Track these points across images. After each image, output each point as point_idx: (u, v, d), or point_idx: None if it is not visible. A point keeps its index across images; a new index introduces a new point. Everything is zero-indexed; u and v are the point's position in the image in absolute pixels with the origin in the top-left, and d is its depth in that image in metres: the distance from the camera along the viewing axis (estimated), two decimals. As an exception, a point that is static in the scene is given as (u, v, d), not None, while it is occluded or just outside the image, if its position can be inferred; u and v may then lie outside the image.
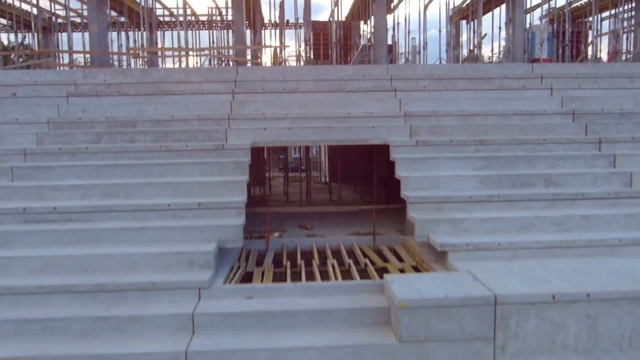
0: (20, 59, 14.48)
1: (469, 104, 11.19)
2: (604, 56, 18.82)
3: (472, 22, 18.09)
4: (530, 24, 15.70)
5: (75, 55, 15.37)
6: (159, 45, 17.94)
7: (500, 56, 16.07)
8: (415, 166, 9.20)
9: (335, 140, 10.33)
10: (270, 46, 13.84)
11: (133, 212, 8.07)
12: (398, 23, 16.80)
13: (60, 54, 15.06)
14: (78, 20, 18.68)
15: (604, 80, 12.26)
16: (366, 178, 16.18)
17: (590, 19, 17.12)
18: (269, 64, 17.81)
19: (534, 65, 12.73)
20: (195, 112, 10.80)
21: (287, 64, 19.10)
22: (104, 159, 9.46)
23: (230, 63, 14.01)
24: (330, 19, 16.02)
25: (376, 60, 13.66)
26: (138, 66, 14.66)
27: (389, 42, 17.45)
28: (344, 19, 18.65)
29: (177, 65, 15.47)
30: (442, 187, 8.76)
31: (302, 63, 15.47)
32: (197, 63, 16.04)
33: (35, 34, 16.14)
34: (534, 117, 10.84)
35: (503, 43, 18.21)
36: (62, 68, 13.91)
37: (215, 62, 14.39)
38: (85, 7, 15.51)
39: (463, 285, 6.34)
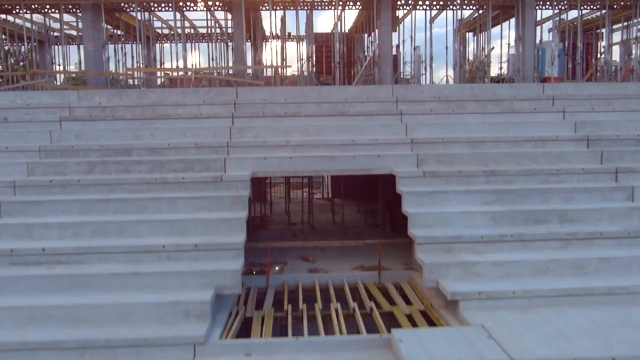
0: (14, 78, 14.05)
1: (478, 129, 10.74)
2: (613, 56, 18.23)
3: (479, 35, 17.61)
4: (540, 39, 15.06)
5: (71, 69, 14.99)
6: (157, 60, 17.47)
7: (509, 71, 15.54)
8: (423, 201, 8.77)
9: (339, 170, 9.90)
10: (272, 66, 13.32)
11: (126, 254, 7.66)
12: (404, 40, 16.30)
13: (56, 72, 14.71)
14: (74, 33, 18.22)
15: (618, 102, 11.79)
16: (370, 196, 15.73)
17: (603, 30, 16.55)
18: (270, 71, 17.21)
19: (544, 85, 12.28)
20: (193, 138, 10.38)
21: (289, 75, 18.66)
22: (97, 191, 9.05)
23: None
24: (333, 32, 15.51)
25: (380, 79, 13.13)
26: (135, 81, 14.17)
27: (393, 52, 17.03)
28: (347, 30, 18.15)
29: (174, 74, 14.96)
30: (451, 224, 8.33)
31: (304, 75, 15.01)
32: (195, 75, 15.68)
33: (29, 51, 15.68)
34: (547, 144, 10.39)
35: (512, 51, 17.65)
36: (57, 85, 13.45)
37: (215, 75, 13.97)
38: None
39: (477, 345, 5.91)
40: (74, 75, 15.87)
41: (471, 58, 21.15)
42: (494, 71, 17.37)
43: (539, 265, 7.50)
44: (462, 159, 9.82)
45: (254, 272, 9.55)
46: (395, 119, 11.10)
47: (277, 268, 9.72)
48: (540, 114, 11.35)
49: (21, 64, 14.53)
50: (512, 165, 9.72)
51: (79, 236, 8.09)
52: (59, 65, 16.15)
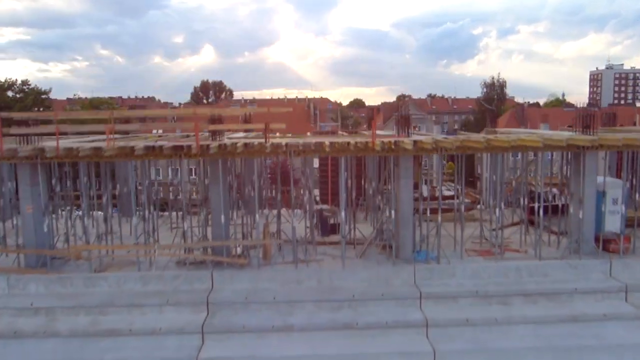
0: None
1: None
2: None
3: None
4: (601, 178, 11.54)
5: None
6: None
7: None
8: None
9: None
10: (258, 243, 10.38)
11: None
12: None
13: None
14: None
15: None
16: None
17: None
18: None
19: (612, 264, 9.50)
20: (146, 381, 7.70)
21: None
22: None
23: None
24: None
25: (398, 247, 10.26)
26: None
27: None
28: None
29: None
30: None
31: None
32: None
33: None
34: (629, 392, 7.59)
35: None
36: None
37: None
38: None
39: None
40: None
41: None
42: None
43: None
44: None
45: None
46: (418, 336, 8.34)
47: None
48: (612, 322, 8.53)
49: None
50: None
51: None
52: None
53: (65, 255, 9.87)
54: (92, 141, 11.65)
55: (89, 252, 9.60)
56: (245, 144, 9.45)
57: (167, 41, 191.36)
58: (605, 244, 10.48)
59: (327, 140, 9.66)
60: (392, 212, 10.13)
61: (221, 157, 9.51)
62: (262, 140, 9.73)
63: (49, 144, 10.13)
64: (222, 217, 9.84)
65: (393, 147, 9.44)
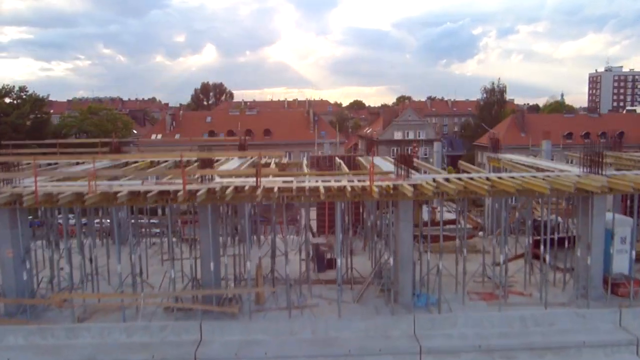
0: None
1: None
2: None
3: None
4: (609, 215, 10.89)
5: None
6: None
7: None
8: None
9: None
10: (251, 291, 9.81)
11: None
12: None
13: None
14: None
15: None
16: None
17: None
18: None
19: (621, 312, 9.03)
20: None
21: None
22: None
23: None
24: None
25: (397, 292, 9.77)
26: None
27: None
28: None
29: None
30: None
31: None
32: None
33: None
34: None
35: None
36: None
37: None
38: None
39: None
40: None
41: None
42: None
43: None
44: None
45: None
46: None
47: None
48: (624, 381, 8.07)
49: None
50: None
51: None
52: None
53: (47, 303, 9.40)
54: (80, 170, 11.15)
55: (72, 300, 9.13)
56: (236, 188, 8.99)
57: (168, 40, 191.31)
58: (614, 288, 9.99)
59: (322, 185, 9.15)
60: (391, 257, 9.67)
61: (210, 203, 9.05)
62: (254, 181, 9.27)
63: (28, 182, 9.65)
64: (212, 264, 9.37)
65: (392, 192, 8.99)
